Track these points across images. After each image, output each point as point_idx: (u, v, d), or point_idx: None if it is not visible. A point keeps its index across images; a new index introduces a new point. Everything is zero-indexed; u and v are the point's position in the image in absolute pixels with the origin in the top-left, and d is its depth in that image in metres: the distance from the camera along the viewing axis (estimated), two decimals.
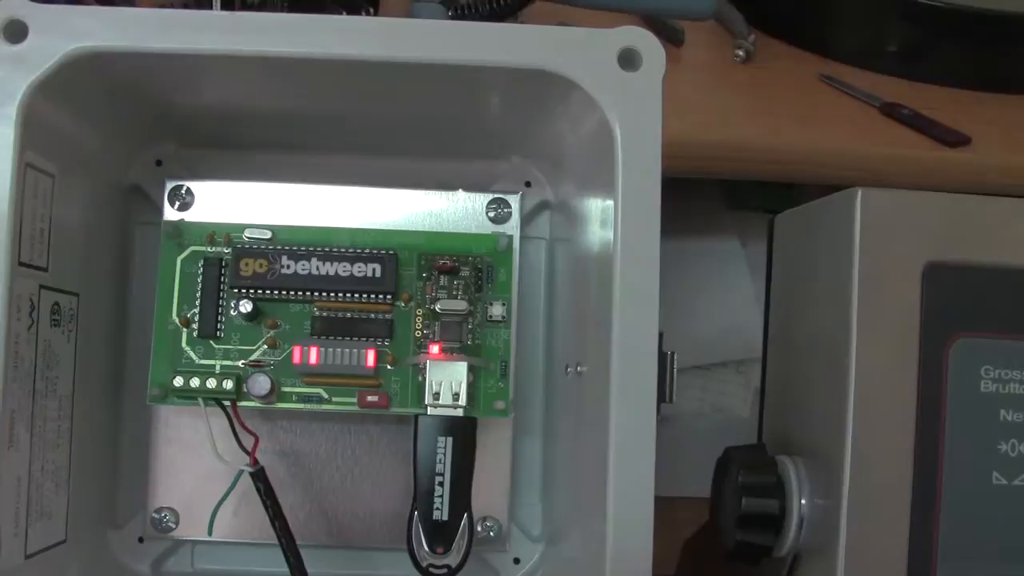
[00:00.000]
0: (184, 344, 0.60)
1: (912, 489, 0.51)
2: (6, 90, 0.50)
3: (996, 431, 0.52)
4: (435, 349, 0.60)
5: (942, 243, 0.52)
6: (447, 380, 0.59)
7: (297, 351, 0.59)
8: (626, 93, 0.52)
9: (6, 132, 0.50)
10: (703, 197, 0.91)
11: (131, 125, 0.61)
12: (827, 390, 0.53)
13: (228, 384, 0.59)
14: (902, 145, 0.78)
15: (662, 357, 0.52)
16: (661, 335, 0.51)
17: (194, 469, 0.63)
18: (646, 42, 0.52)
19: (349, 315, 0.60)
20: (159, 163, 0.64)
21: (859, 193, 0.52)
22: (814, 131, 0.79)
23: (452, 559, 0.58)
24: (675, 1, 0.84)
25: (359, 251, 0.60)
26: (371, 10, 0.80)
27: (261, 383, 0.59)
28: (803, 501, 0.54)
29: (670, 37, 0.86)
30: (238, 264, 0.59)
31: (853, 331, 0.51)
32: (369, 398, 0.60)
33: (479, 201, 0.63)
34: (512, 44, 0.52)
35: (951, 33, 0.86)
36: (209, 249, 0.60)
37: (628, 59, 0.52)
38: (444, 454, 0.58)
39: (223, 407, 0.59)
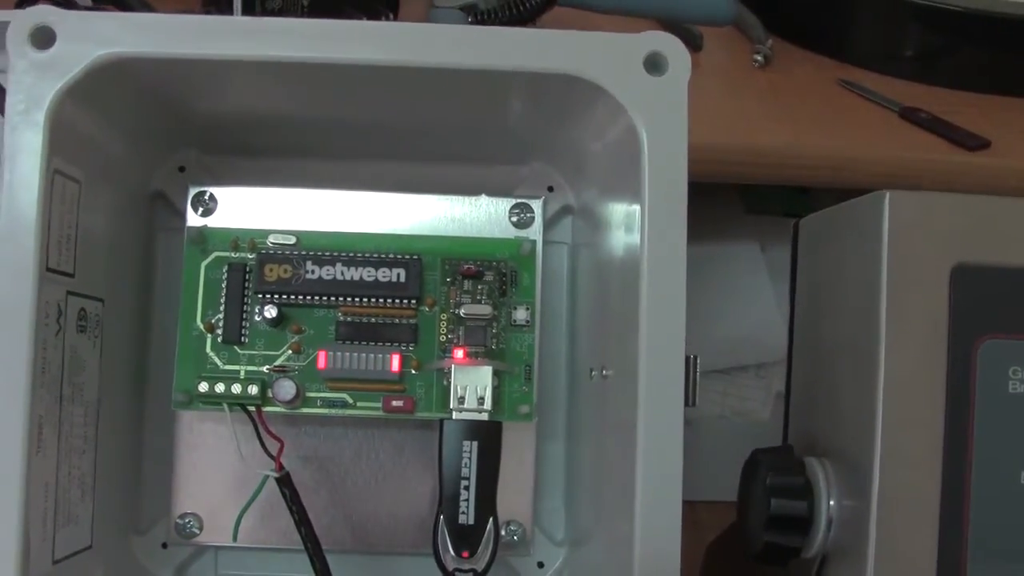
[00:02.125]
0: (208, 350, 0.60)
1: (941, 490, 0.51)
2: (34, 96, 0.50)
3: None
4: (460, 353, 0.60)
5: (970, 245, 0.52)
6: (472, 384, 0.59)
7: (322, 356, 0.59)
8: (652, 98, 0.52)
9: (35, 138, 0.50)
10: (722, 202, 0.91)
11: (155, 131, 0.61)
12: (855, 392, 0.53)
13: (253, 389, 0.59)
14: (922, 149, 0.78)
15: (684, 361, 0.52)
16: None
17: (218, 475, 0.63)
18: (672, 47, 0.52)
19: (373, 320, 0.60)
20: (182, 169, 0.64)
21: (887, 196, 0.52)
22: (833, 136, 0.79)
23: (478, 563, 0.58)
24: (694, 6, 0.84)
25: (383, 256, 0.60)
26: (391, 15, 0.81)
27: (286, 388, 0.59)
28: (831, 502, 0.54)
29: (688, 42, 0.84)
30: (262, 269, 0.59)
31: (881, 333, 0.51)
32: (394, 403, 0.60)
33: (502, 206, 0.63)
34: (538, 49, 0.52)
35: (969, 37, 0.86)
36: (233, 255, 0.60)
37: (654, 64, 0.52)
38: (470, 458, 0.58)
39: (248, 412, 0.59)
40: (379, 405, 0.60)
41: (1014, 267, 0.52)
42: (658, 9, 0.84)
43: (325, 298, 0.60)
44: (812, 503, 0.54)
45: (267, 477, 0.59)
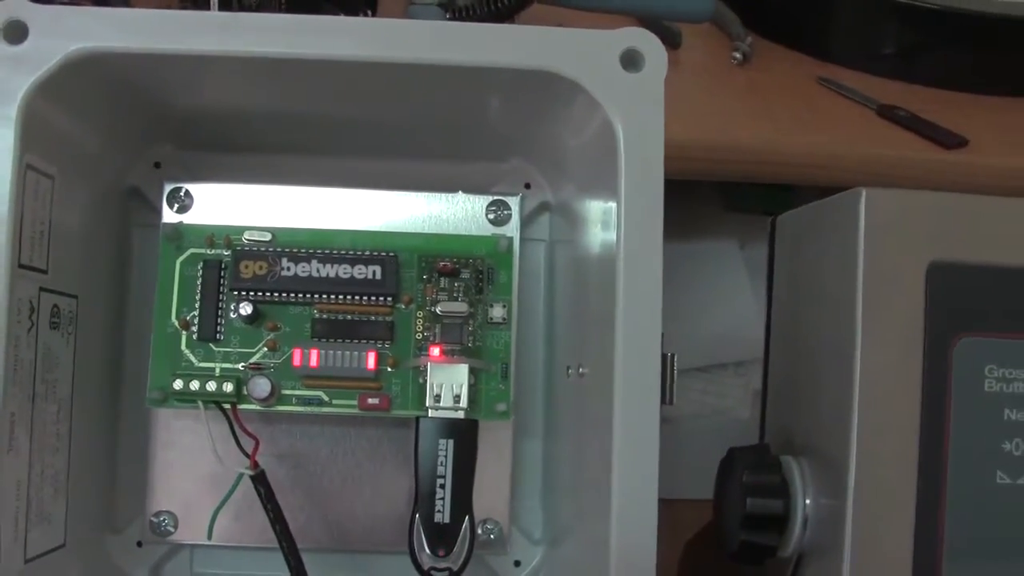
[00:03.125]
0: (184, 347, 0.60)
1: (917, 489, 0.51)
2: (6, 91, 0.50)
3: (1000, 430, 0.52)
4: (436, 351, 0.59)
5: (946, 243, 0.52)
6: (448, 382, 0.58)
7: (297, 353, 0.59)
8: (629, 94, 0.52)
9: (6, 133, 0.49)
10: (701, 199, 0.91)
11: (130, 127, 0.61)
12: (831, 390, 0.53)
13: (228, 387, 0.59)
14: (900, 147, 0.78)
15: (662, 359, 0.52)
16: (662, 336, 0.51)
17: (193, 473, 0.63)
18: (648, 43, 0.52)
19: (349, 317, 0.60)
20: (157, 165, 0.64)
21: (864, 193, 0.52)
22: (812, 133, 0.79)
23: (453, 562, 0.58)
24: (673, 3, 0.84)
25: (359, 253, 0.60)
26: (368, 12, 0.80)
27: (261, 386, 0.59)
28: (807, 501, 0.54)
29: (667, 39, 0.84)
30: (238, 266, 0.59)
31: (858, 331, 0.51)
32: (370, 400, 0.59)
33: (479, 203, 0.62)
34: (514, 45, 0.52)
35: (948, 36, 0.86)
36: (208, 251, 0.60)
37: (631, 60, 0.52)
38: (445, 456, 0.58)
39: (223, 410, 0.59)
40: (355, 403, 0.60)
41: (990, 265, 0.52)
42: (637, 6, 0.84)
43: (301, 295, 0.59)
44: (788, 502, 0.54)
45: (242, 475, 0.59)
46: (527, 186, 0.65)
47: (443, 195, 0.62)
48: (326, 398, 0.60)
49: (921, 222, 0.52)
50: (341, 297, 0.59)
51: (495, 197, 0.63)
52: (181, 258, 0.60)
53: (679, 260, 0.86)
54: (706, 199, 0.91)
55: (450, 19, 0.79)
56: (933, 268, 0.51)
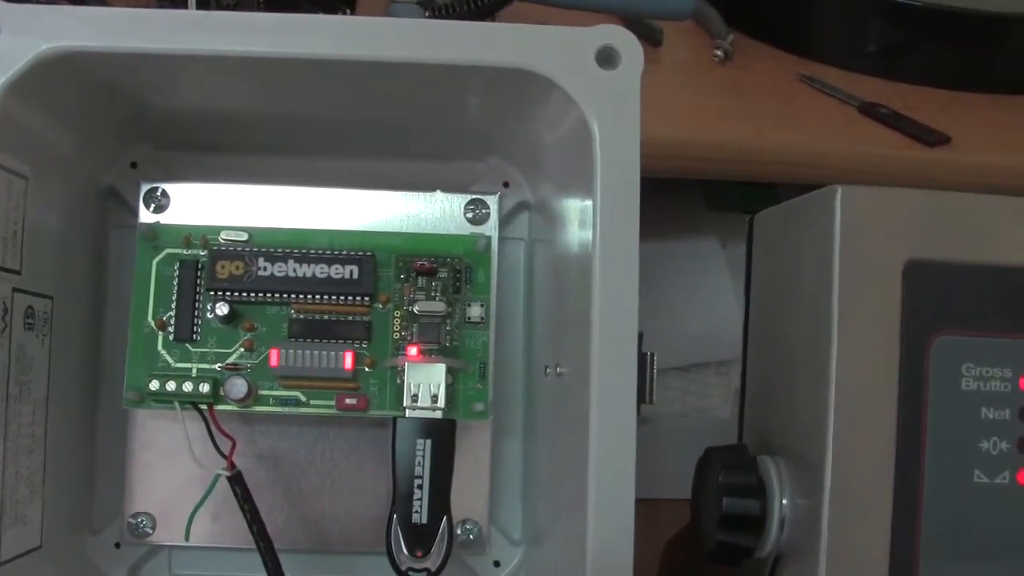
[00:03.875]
0: (160, 347, 0.59)
1: (894, 488, 0.50)
2: None
3: (977, 429, 0.51)
4: (413, 351, 0.59)
5: (923, 240, 0.51)
6: (425, 382, 0.58)
7: (274, 354, 0.59)
8: (604, 91, 0.51)
9: None
10: (683, 198, 0.91)
11: (106, 126, 0.60)
12: (808, 389, 0.53)
13: (205, 388, 0.58)
14: (882, 144, 0.78)
15: (642, 358, 0.51)
16: (641, 336, 0.51)
17: (171, 474, 0.62)
18: (624, 40, 0.52)
19: (326, 317, 0.60)
20: (134, 165, 0.63)
21: (839, 191, 0.51)
22: (794, 131, 0.79)
23: (431, 562, 0.58)
24: (653, 1, 0.84)
25: (336, 253, 0.60)
26: (347, 11, 0.80)
27: (238, 386, 0.58)
28: (784, 501, 0.54)
29: (648, 37, 0.85)
30: (214, 266, 0.59)
31: (834, 329, 0.51)
32: (347, 401, 0.59)
33: (457, 202, 0.62)
34: (490, 43, 0.52)
35: (930, 33, 0.86)
36: (185, 251, 0.60)
37: (606, 57, 0.52)
38: (423, 457, 0.58)
39: (200, 411, 0.59)
40: (332, 403, 0.59)
41: (967, 263, 0.52)
42: (618, 4, 0.84)
43: (278, 295, 0.59)
44: (765, 502, 0.54)
45: (219, 476, 0.58)
46: (505, 185, 0.65)
47: (421, 194, 0.62)
48: (303, 398, 0.59)
49: (898, 219, 0.52)
50: (318, 297, 0.59)
51: (473, 196, 0.62)
52: (158, 258, 0.60)
53: (660, 259, 0.87)
54: (688, 198, 0.91)
55: (430, 17, 0.79)
56: (910, 266, 0.51)
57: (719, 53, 0.86)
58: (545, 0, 0.82)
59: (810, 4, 0.90)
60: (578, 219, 0.55)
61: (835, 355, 0.51)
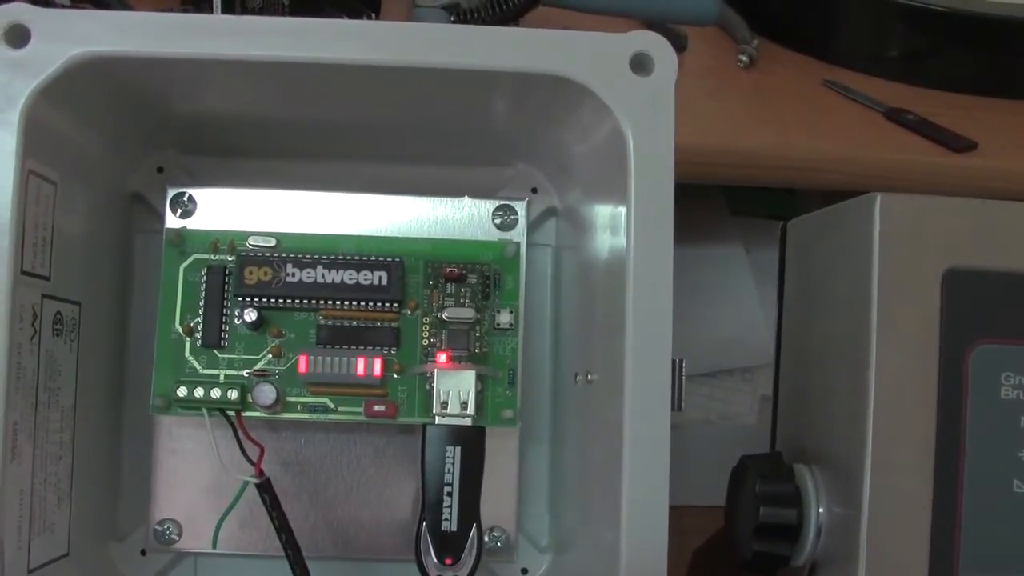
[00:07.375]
0: (187, 354, 0.59)
1: (933, 498, 0.50)
2: (8, 96, 0.49)
3: (1016, 438, 0.51)
4: (442, 358, 0.59)
5: (962, 249, 0.51)
6: (455, 389, 0.58)
7: (302, 360, 0.58)
8: (639, 98, 0.51)
9: (8, 139, 0.49)
10: (706, 203, 0.90)
11: (132, 131, 0.60)
12: (845, 398, 0.53)
13: (232, 394, 0.58)
14: (908, 151, 0.78)
15: (672, 365, 0.51)
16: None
17: (197, 480, 0.62)
18: (658, 47, 0.52)
19: (355, 324, 0.59)
20: (160, 170, 0.63)
21: (878, 198, 0.51)
22: (819, 137, 0.79)
23: (460, 570, 0.57)
24: (679, 6, 0.84)
25: (365, 259, 0.59)
26: (372, 15, 0.80)
27: (266, 393, 0.58)
28: (821, 510, 0.54)
29: (672, 43, 0.84)
30: (242, 272, 0.58)
31: (872, 338, 0.50)
32: (376, 408, 0.59)
33: (485, 208, 0.62)
34: (522, 49, 0.51)
35: (955, 38, 0.86)
36: (212, 257, 0.60)
37: (640, 64, 0.51)
38: (453, 464, 0.57)
39: (227, 418, 0.58)
40: (360, 410, 0.59)
41: (1006, 271, 0.52)
42: (643, 9, 0.83)
43: (306, 301, 0.59)
44: (801, 511, 0.54)
45: (247, 483, 0.58)
46: (534, 191, 0.64)
47: (449, 200, 0.62)
48: (332, 405, 0.59)
49: (936, 228, 0.51)
50: (346, 303, 0.59)
51: (501, 202, 0.62)
52: (185, 264, 0.60)
53: (684, 264, 0.85)
54: (712, 203, 0.91)
55: (454, 22, 0.78)
56: (949, 274, 0.51)
57: (744, 59, 0.86)
58: (569, 4, 0.82)
59: (834, 9, 0.90)
60: (609, 226, 0.54)
61: (874, 364, 0.50)
